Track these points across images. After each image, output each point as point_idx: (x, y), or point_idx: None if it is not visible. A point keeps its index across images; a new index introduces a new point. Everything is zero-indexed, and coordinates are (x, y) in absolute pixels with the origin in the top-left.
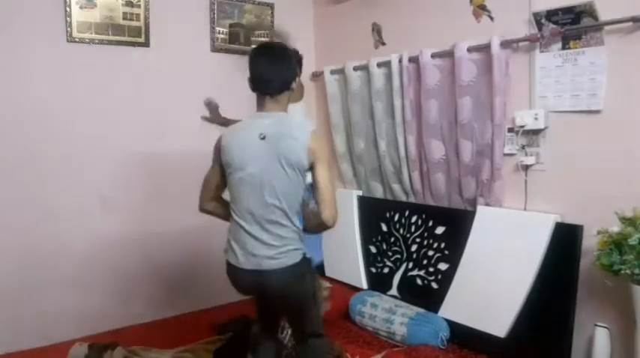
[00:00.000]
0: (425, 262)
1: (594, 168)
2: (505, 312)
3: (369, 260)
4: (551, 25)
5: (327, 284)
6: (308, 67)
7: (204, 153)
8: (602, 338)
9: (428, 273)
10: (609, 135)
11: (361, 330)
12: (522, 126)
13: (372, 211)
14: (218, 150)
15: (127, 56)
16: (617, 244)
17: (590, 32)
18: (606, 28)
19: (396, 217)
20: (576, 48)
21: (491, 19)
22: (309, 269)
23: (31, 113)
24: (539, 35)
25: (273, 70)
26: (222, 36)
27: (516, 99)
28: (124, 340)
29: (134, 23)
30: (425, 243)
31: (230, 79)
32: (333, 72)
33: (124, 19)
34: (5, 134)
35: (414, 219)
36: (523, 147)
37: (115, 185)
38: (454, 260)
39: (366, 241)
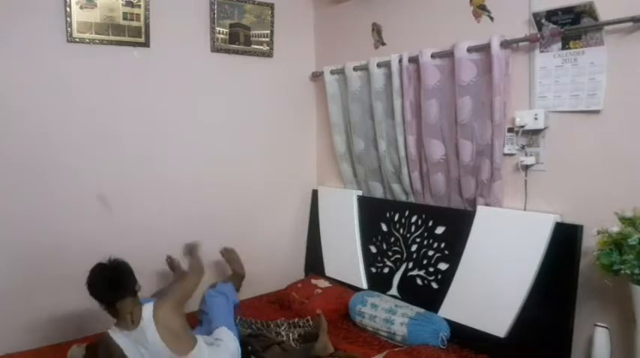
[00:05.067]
0: (425, 262)
1: (594, 168)
2: (505, 312)
3: (369, 260)
4: (551, 25)
5: None
6: (308, 67)
7: (204, 152)
8: (601, 338)
9: (428, 273)
10: (609, 135)
11: (361, 331)
12: (522, 126)
13: (372, 211)
14: None
15: (127, 56)
16: (617, 244)
17: (589, 32)
18: (606, 28)
19: (396, 217)
20: (576, 48)
21: (491, 19)
22: None
23: (31, 113)
24: (539, 35)
25: None
26: (222, 36)
27: (516, 100)
28: None
29: (134, 23)
30: (425, 242)
31: (230, 79)
32: (333, 72)
33: (124, 19)
34: (4, 134)
35: (414, 219)
36: (523, 147)
37: (114, 184)
38: (454, 260)
39: (365, 241)
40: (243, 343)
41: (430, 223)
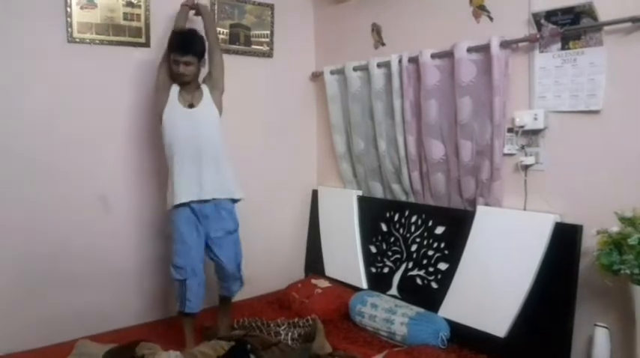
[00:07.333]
0: (425, 262)
1: (593, 168)
2: (505, 312)
3: (369, 260)
4: (551, 26)
5: None
6: (308, 68)
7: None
8: (601, 338)
9: (428, 273)
10: (608, 135)
11: (361, 330)
12: (522, 127)
13: (372, 211)
14: None
15: (127, 56)
16: (617, 244)
17: (589, 32)
18: (605, 28)
19: (396, 217)
20: (576, 48)
21: (491, 19)
22: None
23: (31, 114)
24: (538, 35)
25: None
26: (222, 36)
27: (516, 100)
28: (124, 340)
29: (135, 24)
30: (425, 242)
31: (230, 79)
32: (333, 72)
33: (125, 19)
34: (4, 135)
35: (413, 218)
36: (522, 147)
37: (115, 185)
38: (454, 260)
39: (365, 241)
40: (242, 342)
41: (430, 223)
